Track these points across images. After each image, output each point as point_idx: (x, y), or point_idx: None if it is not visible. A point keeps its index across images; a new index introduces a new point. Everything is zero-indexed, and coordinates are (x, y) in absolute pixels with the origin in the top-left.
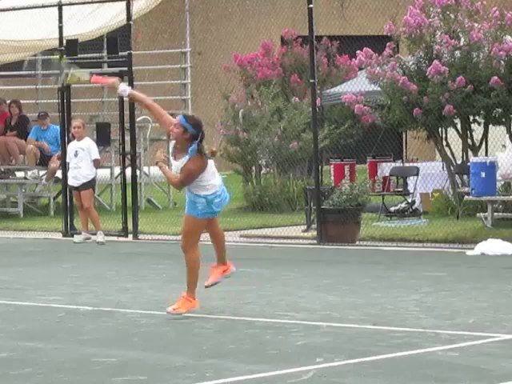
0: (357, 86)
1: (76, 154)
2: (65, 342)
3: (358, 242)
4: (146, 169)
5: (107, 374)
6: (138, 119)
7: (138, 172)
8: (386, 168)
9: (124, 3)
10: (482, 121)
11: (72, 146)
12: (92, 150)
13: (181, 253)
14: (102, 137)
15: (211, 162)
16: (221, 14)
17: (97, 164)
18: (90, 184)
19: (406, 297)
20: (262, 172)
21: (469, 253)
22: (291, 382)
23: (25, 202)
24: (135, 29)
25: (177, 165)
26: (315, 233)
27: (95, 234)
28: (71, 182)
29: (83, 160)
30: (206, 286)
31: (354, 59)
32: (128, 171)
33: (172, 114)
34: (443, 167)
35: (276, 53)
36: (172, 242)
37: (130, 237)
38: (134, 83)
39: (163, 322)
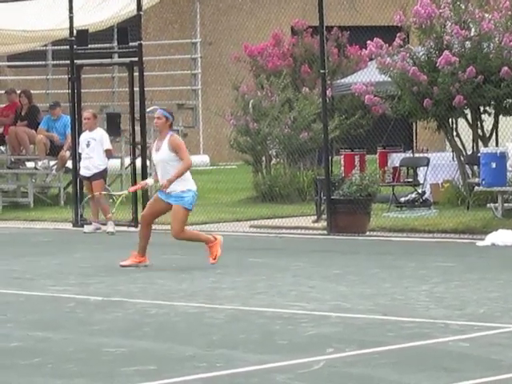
0: (367, 77)
1: (88, 145)
2: (75, 331)
3: (368, 233)
4: None
5: (117, 364)
6: (148, 109)
7: (147, 162)
8: (396, 158)
9: None
10: (493, 111)
11: (84, 137)
12: (104, 140)
13: (190, 242)
14: (113, 127)
15: None
16: (231, 5)
17: (109, 154)
18: (101, 174)
19: (416, 287)
20: (272, 162)
21: (479, 243)
22: (301, 372)
23: (35, 192)
24: (145, 19)
25: (160, 154)
26: (325, 223)
27: (105, 225)
28: (83, 172)
29: (95, 150)
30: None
31: (364, 49)
32: (138, 161)
33: (182, 105)
34: (453, 158)
35: (286, 43)
36: None
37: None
38: (145, 73)
39: (173, 312)
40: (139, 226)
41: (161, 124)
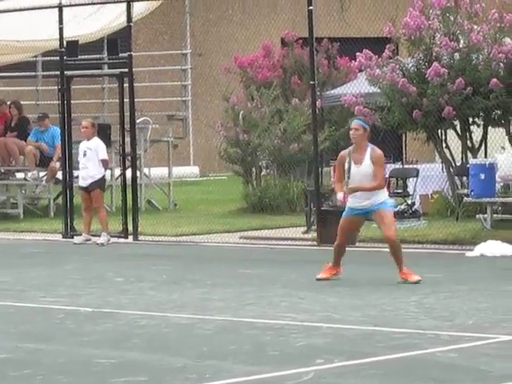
0: (357, 88)
1: (84, 154)
2: (65, 343)
3: (357, 244)
4: (146, 170)
5: (107, 375)
6: (138, 120)
7: (138, 173)
8: (385, 169)
9: (124, 5)
10: (482, 122)
11: (81, 146)
12: (99, 149)
13: (180, 254)
14: (103, 138)
15: None
16: (221, 16)
17: (105, 164)
18: (98, 184)
19: (406, 298)
20: (262, 173)
21: (468, 254)
22: None
23: (25, 204)
24: (136, 30)
25: (363, 168)
26: (315, 234)
27: (98, 236)
28: (80, 182)
29: (90, 160)
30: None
31: (354, 61)
32: (128, 172)
33: (173, 116)
34: (443, 169)
35: (276, 54)
36: (172, 243)
37: (130, 238)
38: (135, 84)
39: (163, 323)
40: (336, 246)
41: (359, 136)
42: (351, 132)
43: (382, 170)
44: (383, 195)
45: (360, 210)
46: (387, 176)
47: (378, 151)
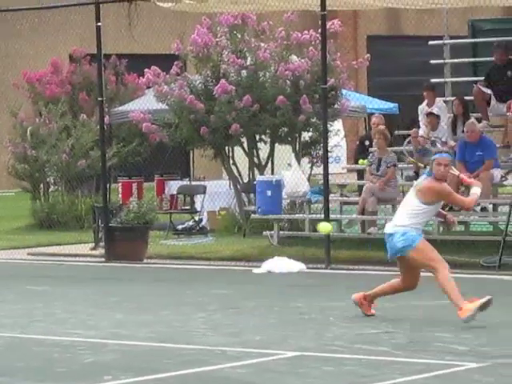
0: (145, 105)
1: None
2: None
3: (145, 260)
4: None
5: None
6: None
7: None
8: (173, 186)
9: None
10: (268, 139)
11: None
12: None
13: None
14: None
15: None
16: (9, 31)
17: None
18: None
19: (194, 314)
20: (50, 190)
21: (255, 271)
22: None
23: None
24: None
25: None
26: (103, 250)
27: None
28: None
29: None
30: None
31: (142, 77)
32: None
33: None
34: (230, 185)
35: (64, 70)
36: None
37: None
38: None
39: None
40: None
41: (447, 174)
42: (441, 168)
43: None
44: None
45: None
46: (175, 192)
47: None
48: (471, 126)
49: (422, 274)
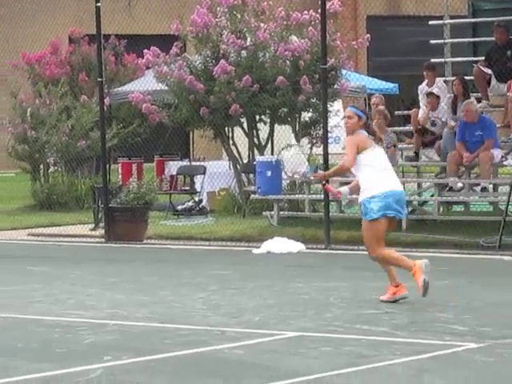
0: (144, 85)
1: None
2: None
3: (145, 241)
4: None
5: None
6: None
7: None
8: (173, 167)
9: None
10: (268, 120)
11: None
12: None
13: None
14: None
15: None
16: (8, 12)
17: None
18: None
19: (193, 295)
20: (50, 170)
21: (255, 251)
22: (79, 381)
23: None
24: None
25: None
26: (103, 231)
27: None
28: None
29: None
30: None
31: (141, 58)
32: None
33: None
34: (230, 166)
35: (64, 51)
36: None
37: None
38: None
39: None
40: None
41: (352, 124)
42: (344, 120)
43: (350, 150)
44: (363, 195)
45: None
46: (174, 173)
47: (348, 137)
48: (467, 106)
49: (422, 254)
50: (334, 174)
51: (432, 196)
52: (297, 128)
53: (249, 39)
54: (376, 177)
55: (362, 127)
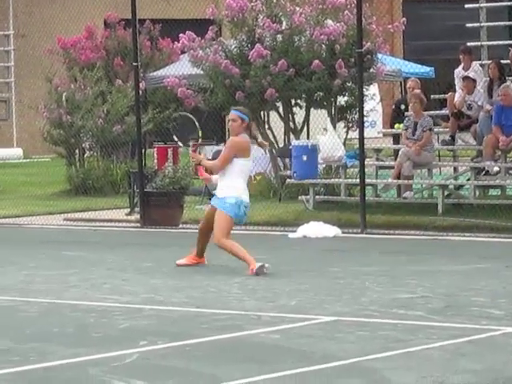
0: (180, 70)
1: None
2: None
3: (180, 225)
4: None
5: None
6: None
7: None
8: (208, 151)
9: None
10: (304, 104)
11: None
12: None
13: (3, 236)
14: None
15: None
16: None
17: None
18: None
19: (229, 280)
20: (86, 155)
21: (291, 235)
22: (115, 365)
23: None
24: None
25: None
26: (138, 216)
27: None
28: None
29: None
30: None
31: (176, 42)
32: None
33: None
34: (265, 150)
35: (99, 36)
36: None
37: None
38: None
39: None
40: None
41: (236, 127)
42: (229, 123)
43: (226, 153)
44: (228, 191)
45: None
46: (210, 158)
47: (230, 140)
48: (505, 90)
49: (459, 238)
50: (206, 167)
51: (468, 180)
52: (332, 112)
53: (284, 23)
54: (239, 183)
55: (245, 130)
